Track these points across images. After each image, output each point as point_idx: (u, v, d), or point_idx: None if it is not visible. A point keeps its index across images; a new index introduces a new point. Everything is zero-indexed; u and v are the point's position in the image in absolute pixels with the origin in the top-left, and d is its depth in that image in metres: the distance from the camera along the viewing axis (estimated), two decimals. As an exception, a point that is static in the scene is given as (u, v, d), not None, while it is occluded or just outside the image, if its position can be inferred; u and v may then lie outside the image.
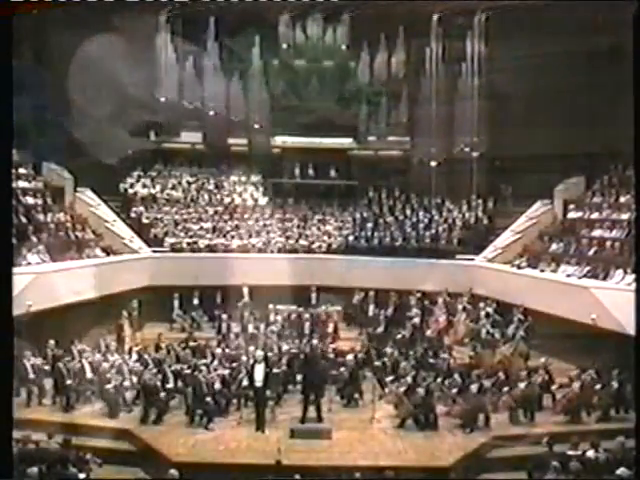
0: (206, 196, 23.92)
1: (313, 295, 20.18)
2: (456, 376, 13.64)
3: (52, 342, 14.54)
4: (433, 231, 21.60)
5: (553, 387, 13.69)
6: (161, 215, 22.64)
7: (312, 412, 12.90)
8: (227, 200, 23.88)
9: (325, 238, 22.37)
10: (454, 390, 13.41)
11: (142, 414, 12.79)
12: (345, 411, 13.63)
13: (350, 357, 14.48)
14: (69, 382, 13.35)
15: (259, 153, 24.83)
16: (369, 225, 22.41)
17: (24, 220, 17.79)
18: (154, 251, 21.03)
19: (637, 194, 15.71)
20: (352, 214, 23.59)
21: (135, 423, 12.66)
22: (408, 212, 22.84)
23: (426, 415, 12.73)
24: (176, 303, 19.63)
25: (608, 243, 17.39)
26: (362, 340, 17.32)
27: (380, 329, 17.86)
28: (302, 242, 22.17)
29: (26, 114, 20.56)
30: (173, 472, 9.81)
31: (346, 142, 24.84)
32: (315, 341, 15.70)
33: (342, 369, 14.27)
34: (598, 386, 13.26)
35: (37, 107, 21.84)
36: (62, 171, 21.56)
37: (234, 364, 14.13)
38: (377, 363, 15.18)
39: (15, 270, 12.14)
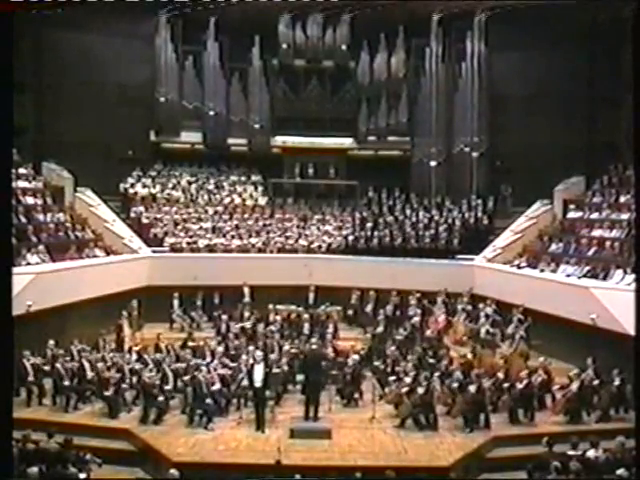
0: (206, 196, 23.91)
1: (312, 295, 20.16)
2: (455, 376, 13.64)
3: (52, 342, 14.54)
4: (433, 231, 21.56)
5: (553, 387, 13.70)
6: (161, 215, 22.63)
7: (310, 411, 12.96)
8: (227, 200, 23.88)
9: (325, 238, 22.36)
10: (454, 390, 13.39)
11: (142, 414, 12.79)
12: (345, 411, 13.63)
13: (352, 357, 14.45)
14: (68, 382, 13.36)
15: (259, 153, 24.85)
16: (369, 225, 22.38)
17: (24, 220, 17.80)
18: (154, 251, 21.00)
19: (637, 194, 15.69)
20: (352, 214, 23.57)
21: (135, 423, 12.67)
22: (408, 212, 22.81)
23: (426, 415, 12.75)
24: (176, 303, 19.60)
25: (608, 243, 17.39)
26: (365, 340, 17.36)
27: (380, 329, 17.84)
28: (302, 242, 22.16)
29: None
30: (173, 472, 9.82)
31: (346, 142, 24.86)
32: (314, 341, 15.68)
33: (342, 369, 14.27)
34: (597, 385, 13.26)
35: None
36: (62, 171, 21.57)
37: (234, 364, 14.14)
38: (377, 363, 15.21)
39: (15, 270, 12.16)
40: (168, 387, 13.58)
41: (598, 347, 14.49)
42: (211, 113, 24.49)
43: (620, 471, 9.40)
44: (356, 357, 14.47)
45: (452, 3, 22.83)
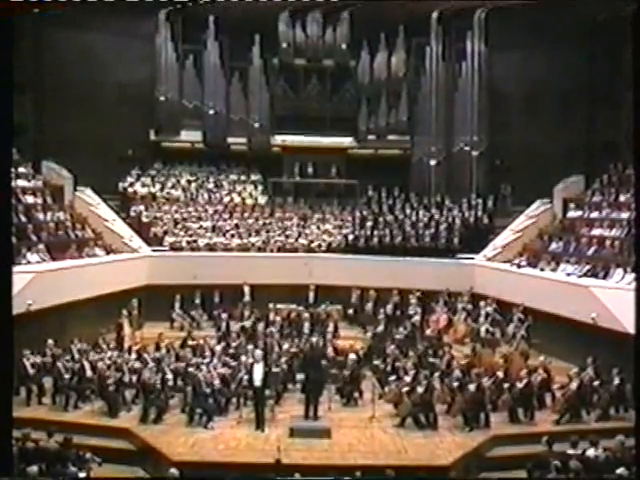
0: (206, 195, 23.91)
1: (312, 294, 20.15)
2: (455, 375, 13.64)
3: (51, 341, 14.53)
4: (433, 230, 21.55)
5: (553, 386, 13.71)
6: (161, 214, 22.62)
7: (310, 410, 12.97)
8: (227, 199, 23.87)
9: (325, 237, 22.33)
10: (453, 389, 13.39)
11: (142, 413, 12.79)
12: (345, 410, 13.63)
13: (352, 357, 14.45)
14: (68, 381, 13.36)
15: (259, 152, 24.84)
16: (369, 224, 22.35)
17: (24, 219, 17.79)
18: (154, 250, 21.01)
19: (637, 193, 15.69)
20: (352, 213, 23.55)
21: (135, 422, 12.67)
22: (408, 211, 22.81)
23: (426, 414, 12.75)
24: (177, 302, 19.59)
25: (608, 242, 17.40)
26: (365, 339, 17.35)
27: (380, 328, 17.85)
28: (302, 241, 22.14)
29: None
30: (173, 471, 9.82)
31: (346, 141, 24.85)
32: (315, 339, 15.69)
33: (342, 368, 14.27)
34: (597, 385, 13.27)
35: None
36: (62, 170, 21.56)
37: (234, 363, 14.14)
38: (377, 362, 15.21)
39: (15, 269, 12.15)
40: (168, 386, 13.58)
41: (598, 346, 14.48)
42: (211, 112, 24.50)
43: (620, 470, 9.40)
44: (353, 357, 14.46)
45: (452, 3, 22.83)
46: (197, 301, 19.84)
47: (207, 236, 21.90)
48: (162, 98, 24.02)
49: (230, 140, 24.83)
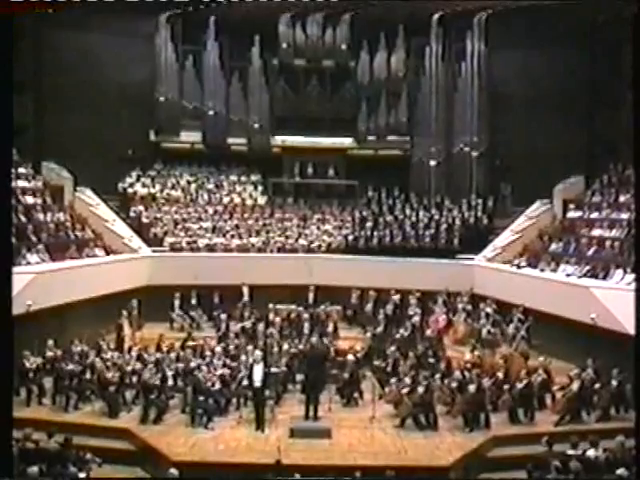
0: (205, 195, 23.91)
1: (312, 294, 20.13)
2: (455, 376, 13.64)
3: (51, 342, 14.52)
4: (433, 230, 21.54)
5: (553, 387, 13.70)
6: (160, 214, 22.62)
7: (310, 411, 12.96)
8: (226, 199, 23.87)
9: (325, 237, 22.34)
10: (453, 389, 13.39)
11: (142, 413, 12.79)
12: (345, 410, 13.63)
13: (351, 357, 14.46)
14: (68, 381, 13.36)
15: (258, 152, 24.83)
16: (368, 224, 22.36)
17: (24, 219, 17.79)
18: (154, 250, 21.01)
19: (637, 193, 15.71)
20: (351, 213, 23.56)
21: (135, 422, 12.67)
22: (408, 211, 22.80)
23: (426, 415, 12.75)
24: (177, 303, 19.59)
25: (608, 242, 17.40)
26: (365, 339, 17.33)
27: (380, 329, 17.85)
28: (302, 241, 22.15)
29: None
30: (173, 471, 9.82)
31: (346, 141, 24.85)
32: (315, 339, 15.68)
33: (342, 368, 14.27)
34: (597, 385, 13.26)
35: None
36: (61, 170, 21.56)
37: (234, 363, 14.14)
38: (377, 362, 15.21)
39: (15, 269, 12.15)
40: (168, 386, 13.58)
41: (598, 346, 14.49)
42: (211, 113, 24.50)
43: (620, 471, 9.39)
44: (351, 357, 14.46)
45: (452, 2, 22.83)
46: (193, 301, 19.84)
47: (207, 237, 21.90)
48: (162, 98, 24.03)
49: (230, 141, 24.83)
